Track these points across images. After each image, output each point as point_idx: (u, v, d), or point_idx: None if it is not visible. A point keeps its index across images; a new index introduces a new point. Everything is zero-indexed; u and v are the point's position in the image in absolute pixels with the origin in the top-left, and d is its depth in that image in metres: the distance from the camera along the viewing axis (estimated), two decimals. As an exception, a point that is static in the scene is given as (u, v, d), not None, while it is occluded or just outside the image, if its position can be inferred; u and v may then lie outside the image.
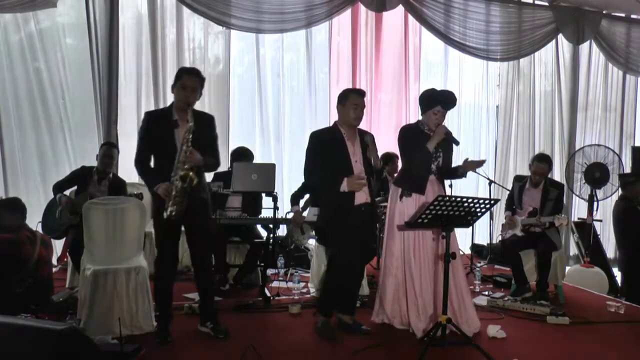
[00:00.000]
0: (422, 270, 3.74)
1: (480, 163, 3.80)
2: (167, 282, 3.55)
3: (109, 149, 4.77)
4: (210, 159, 3.45)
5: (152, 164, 3.47)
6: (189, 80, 3.39)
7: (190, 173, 3.25)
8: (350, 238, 3.57)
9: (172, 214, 3.26)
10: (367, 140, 3.68)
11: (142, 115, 5.81)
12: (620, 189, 5.94)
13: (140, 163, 3.44)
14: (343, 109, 3.62)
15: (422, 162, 3.71)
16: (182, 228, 3.56)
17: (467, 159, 3.77)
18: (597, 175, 5.94)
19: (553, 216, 4.67)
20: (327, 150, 3.59)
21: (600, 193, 6.04)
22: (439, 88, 3.87)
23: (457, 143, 3.72)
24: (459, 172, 3.84)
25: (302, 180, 5.09)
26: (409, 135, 3.81)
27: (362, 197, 3.60)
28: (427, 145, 3.64)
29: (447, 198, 3.19)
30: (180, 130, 3.36)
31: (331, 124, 3.79)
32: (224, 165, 5.43)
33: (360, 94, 3.66)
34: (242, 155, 4.95)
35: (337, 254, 3.71)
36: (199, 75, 3.45)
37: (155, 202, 3.39)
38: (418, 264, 3.74)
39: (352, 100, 3.59)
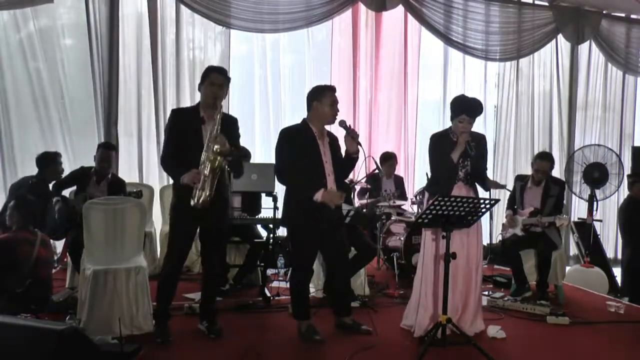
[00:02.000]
0: (436, 270, 3.73)
1: (502, 187, 4.17)
2: (174, 280, 3.56)
3: (106, 153, 4.73)
4: (236, 151, 3.51)
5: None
6: (217, 78, 3.49)
7: (219, 158, 3.31)
8: (314, 238, 3.56)
9: (199, 201, 3.31)
10: (349, 132, 3.57)
11: (143, 116, 5.92)
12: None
13: (167, 159, 3.52)
14: (320, 105, 3.56)
15: (447, 171, 3.74)
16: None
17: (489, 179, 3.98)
18: (596, 175, 5.94)
19: (554, 216, 4.68)
20: (299, 149, 3.54)
21: (600, 193, 6.04)
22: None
23: (472, 153, 3.70)
24: (486, 185, 3.98)
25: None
26: (437, 143, 3.83)
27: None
28: (451, 155, 3.67)
29: (447, 198, 3.19)
30: (207, 126, 3.43)
31: (300, 122, 3.70)
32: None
33: (335, 90, 3.63)
34: None
35: (297, 259, 3.67)
36: (225, 74, 3.56)
37: (178, 193, 3.43)
38: (436, 263, 3.73)
39: (329, 97, 3.55)
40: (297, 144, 3.54)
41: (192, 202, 3.30)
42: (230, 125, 3.55)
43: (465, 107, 3.70)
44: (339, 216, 3.69)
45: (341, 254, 3.74)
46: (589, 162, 6.01)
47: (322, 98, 3.56)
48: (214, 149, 3.28)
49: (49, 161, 4.67)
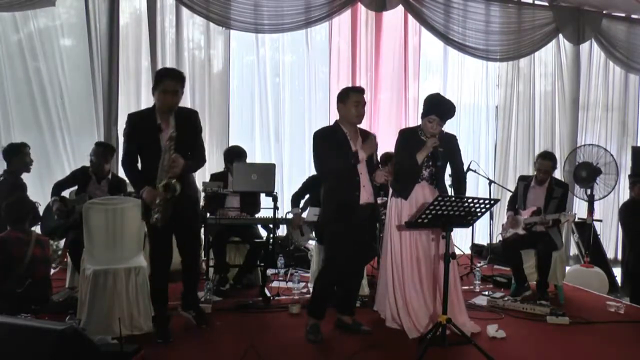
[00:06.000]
0: (413, 273, 3.75)
1: None
2: (162, 281, 3.60)
3: (96, 150, 4.68)
4: (193, 162, 3.50)
5: (139, 164, 3.52)
6: (170, 85, 3.36)
7: (173, 181, 3.29)
8: (350, 237, 3.56)
9: (157, 222, 3.36)
10: (371, 138, 3.65)
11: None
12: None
13: (127, 164, 3.48)
14: (344, 107, 3.59)
15: (408, 170, 3.74)
16: None
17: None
18: (583, 174, 5.93)
19: (559, 213, 4.67)
20: (332, 149, 3.56)
21: (599, 193, 6.02)
22: (443, 93, 3.93)
23: (438, 164, 3.69)
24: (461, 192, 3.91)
25: (302, 180, 5.11)
26: (405, 138, 3.84)
27: (366, 196, 3.60)
28: (416, 157, 3.66)
29: (447, 198, 3.20)
30: (164, 134, 3.38)
31: (332, 123, 3.76)
32: (219, 166, 5.41)
33: (361, 91, 3.65)
34: (236, 154, 4.89)
35: (334, 253, 3.66)
36: (179, 77, 3.44)
37: (144, 204, 3.48)
38: (409, 266, 3.75)
39: (353, 98, 3.57)
40: (330, 144, 3.57)
41: (150, 221, 3.37)
42: (188, 124, 3.49)
43: (437, 108, 3.67)
44: (371, 215, 3.73)
45: (363, 253, 3.79)
46: (586, 162, 6.01)
47: (345, 100, 3.60)
48: (168, 174, 3.29)
49: (15, 152, 4.64)
